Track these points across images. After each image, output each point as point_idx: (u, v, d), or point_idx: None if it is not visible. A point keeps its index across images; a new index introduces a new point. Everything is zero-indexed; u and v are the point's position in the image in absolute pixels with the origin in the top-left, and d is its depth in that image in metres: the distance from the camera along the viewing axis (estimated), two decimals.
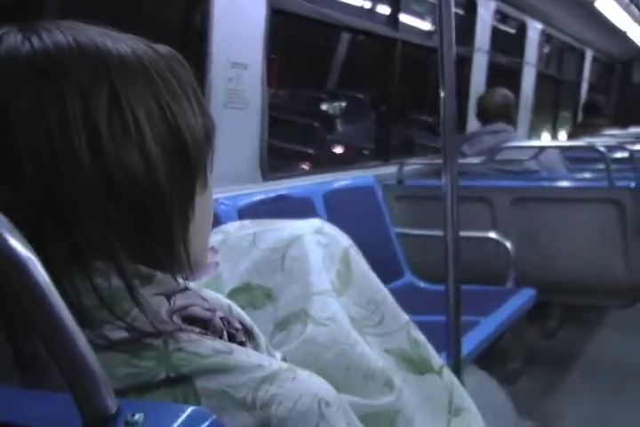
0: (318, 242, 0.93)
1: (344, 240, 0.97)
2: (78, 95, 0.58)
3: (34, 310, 0.45)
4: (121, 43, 0.63)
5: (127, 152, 0.59)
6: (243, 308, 0.88)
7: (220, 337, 0.65)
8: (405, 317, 0.96)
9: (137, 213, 0.60)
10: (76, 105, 0.58)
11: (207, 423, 0.50)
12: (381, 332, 0.93)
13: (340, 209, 2.75)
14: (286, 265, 0.91)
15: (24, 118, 0.58)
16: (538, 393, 3.07)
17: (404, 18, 4.06)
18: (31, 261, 0.45)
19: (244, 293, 0.91)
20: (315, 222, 0.97)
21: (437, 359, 0.96)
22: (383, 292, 0.95)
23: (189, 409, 0.51)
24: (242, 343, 0.68)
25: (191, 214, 0.64)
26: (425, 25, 4.85)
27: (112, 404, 0.48)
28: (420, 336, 0.96)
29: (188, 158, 0.63)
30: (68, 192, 0.57)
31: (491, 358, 2.78)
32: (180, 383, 0.56)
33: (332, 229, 0.97)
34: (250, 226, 0.97)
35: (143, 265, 0.62)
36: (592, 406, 2.90)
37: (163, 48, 0.67)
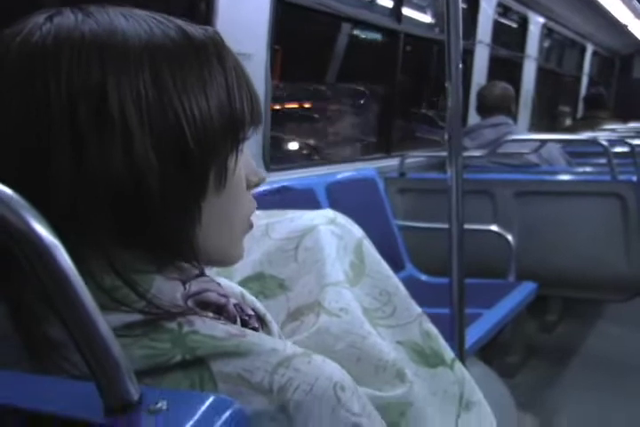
0: (332, 232, 0.92)
1: (357, 231, 0.96)
2: (66, 85, 0.56)
3: (58, 297, 0.45)
4: (134, 25, 0.60)
5: (111, 153, 0.57)
6: (254, 297, 0.88)
7: (234, 323, 0.65)
8: (418, 309, 0.95)
9: (127, 216, 0.58)
10: (62, 97, 0.56)
11: (230, 411, 0.50)
12: (393, 323, 0.92)
13: (342, 201, 2.75)
14: (300, 256, 0.91)
15: (10, 107, 0.57)
16: (537, 386, 3.08)
17: (406, 10, 4.04)
18: (56, 248, 0.44)
19: (255, 282, 0.90)
20: (328, 213, 0.97)
21: (449, 353, 0.95)
22: (396, 283, 0.94)
23: (212, 397, 0.50)
24: (254, 329, 0.69)
25: (197, 217, 0.62)
26: (425, 18, 4.83)
27: (135, 391, 0.48)
28: (432, 329, 0.95)
29: (189, 160, 0.60)
30: (51, 192, 0.57)
31: (491, 351, 2.79)
32: (196, 366, 0.56)
33: (344, 220, 0.96)
34: (261, 216, 0.96)
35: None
36: (591, 399, 2.91)
37: (197, 31, 0.63)
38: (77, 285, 0.45)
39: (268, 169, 2.61)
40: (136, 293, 0.58)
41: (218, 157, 0.62)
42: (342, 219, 0.96)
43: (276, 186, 2.42)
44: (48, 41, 0.58)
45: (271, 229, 0.94)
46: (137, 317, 0.58)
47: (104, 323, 0.46)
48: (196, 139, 0.60)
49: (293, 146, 4.04)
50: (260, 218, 0.96)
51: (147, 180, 0.58)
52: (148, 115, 0.58)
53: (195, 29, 0.64)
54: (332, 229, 0.93)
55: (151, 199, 0.58)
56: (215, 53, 0.63)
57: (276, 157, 2.73)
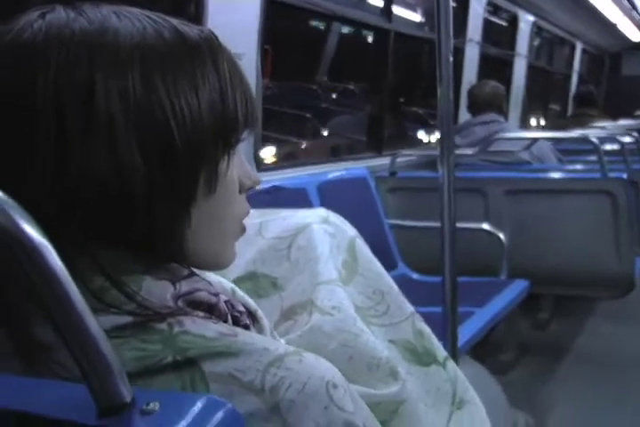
0: (325, 231, 0.92)
1: (350, 230, 0.96)
2: (53, 81, 0.56)
3: (48, 297, 0.45)
4: (126, 23, 0.60)
5: (95, 151, 0.56)
6: (248, 296, 0.87)
7: (225, 321, 0.64)
8: (410, 308, 0.95)
9: (113, 217, 0.58)
10: (48, 93, 0.56)
11: (223, 412, 0.50)
12: (386, 322, 0.92)
13: (333, 200, 2.75)
14: (293, 254, 0.91)
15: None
16: (530, 384, 3.08)
17: (396, 9, 4.04)
18: (45, 248, 0.44)
19: (248, 281, 0.90)
20: (320, 212, 0.97)
21: (442, 351, 0.95)
22: (389, 282, 0.94)
23: (205, 398, 0.50)
24: (246, 326, 0.68)
25: (186, 220, 0.61)
26: (415, 16, 4.84)
27: (127, 392, 0.48)
28: (425, 328, 0.95)
29: (177, 162, 0.59)
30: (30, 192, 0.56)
31: (483, 349, 2.79)
32: (188, 367, 0.56)
33: (337, 219, 0.96)
34: (255, 215, 0.96)
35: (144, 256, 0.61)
36: (584, 396, 2.92)
37: (193, 31, 0.63)
38: (68, 285, 0.45)
39: (259, 168, 2.61)
40: (125, 295, 0.58)
41: (208, 161, 0.61)
42: (335, 218, 0.96)
43: (267, 185, 2.41)
44: (38, 38, 0.58)
45: (264, 227, 0.94)
46: (127, 318, 0.57)
47: (95, 323, 0.46)
48: (184, 140, 0.59)
49: (283, 145, 4.03)
50: (253, 217, 0.96)
51: (131, 180, 0.57)
52: (134, 114, 0.57)
53: (190, 30, 0.63)
54: (324, 228, 0.93)
55: (137, 201, 0.58)
56: (209, 54, 0.62)
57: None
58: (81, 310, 0.45)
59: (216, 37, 0.65)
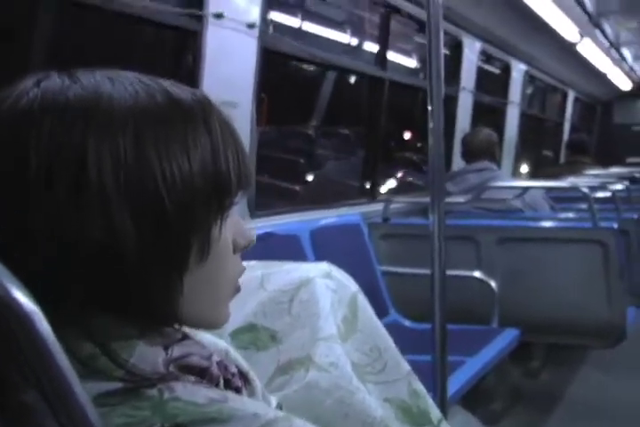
0: (327, 286, 0.92)
1: (352, 285, 0.96)
2: (46, 149, 0.57)
3: (37, 364, 0.45)
4: (119, 89, 0.60)
5: (87, 218, 0.56)
6: (245, 348, 0.87)
7: (217, 384, 0.64)
8: (407, 367, 0.94)
9: (105, 284, 0.58)
10: (41, 160, 0.56)
11: None
12: (382, 380, 0.91)
13: (326, 246, 2.76)
14: (294, 308, 0.90)
15: None
16: None
17: (391, 55, 4.11)
18: (36, 315, 0.45)
19: (247, 333, 0.90)
20: (323, 266, 0.96)
21: (436, 412, 0.94)
22: (387, 340, 0.94)
23: None
24: (238, 389, 0.68)
25: (178, 288, 0.60)
26: (411, 62, 4.92)
27: None
28: (421, 387, 0.94)
29: (168, 230, 0.59)
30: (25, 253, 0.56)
31: (474, 399, 2.77)
32: None
33: (340, 274, 0.96)
34: (257, 267, 0.96)
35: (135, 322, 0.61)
36: None
37: (185, 94, 0.63)
38: (56, 352, 0.45)
39: (253, 215, 2.62)
40: (114, 363, 0.58)
41: (200, 228, 0.61)
42: (338, 273, 0.96)
43: (260, 232, 2.42)
44: (34, 106, 0.58)
45: (266, 280, 0.94)
46: (116, 385, 0.57)
47: (82, 390, 0.46)
48: (176, 209, 0.59)
49: (276, 191, 4.05)
50: (255, 269, 0.96)
51: (124, 248, 0.57)
52: (125, 181, 0.57)
53: (182, 92, 0.63)
54: (327, 283, 0.92)
55: (129, 268, 0.58)
56: (201, 116, 0.62)
57: (259, 203, 2.73)
58: (68, 377, 0.45)
59: (208, 100, 0.65)
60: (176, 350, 0.62)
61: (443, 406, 1.71)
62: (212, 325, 0.68)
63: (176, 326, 0.64)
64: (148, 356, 0.60)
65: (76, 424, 0.46)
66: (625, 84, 8.95)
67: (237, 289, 0.68)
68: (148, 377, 0.58)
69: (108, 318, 0.60)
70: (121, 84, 0.61)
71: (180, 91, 0.63)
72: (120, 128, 0.58)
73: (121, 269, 0.58)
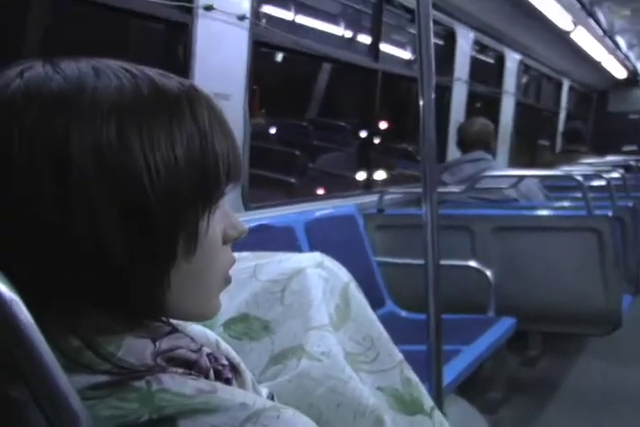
0: (319, 276, 0.92)
1: (344, 275, 0.96)
2: (28, 143, 0.56)
3: (18, 354, 0.45)
4: (104, 79, 0.59)
5: (70, 212, 0.55)
6: (239, 338, 0.88)
7: (207, 376, 0.64)
8: (400, 355, 0.95)
9: (91, 279, 0.57)
10: (24, 154, 0.55)
11: None
12: (375, 369, 0.92)
13: (321, 238, 2.76)
14: (287, 298, 0.91)
15: None
16: (520, 422, 3.07)
17: (384, 47, 4.11)
18: (15, 303, 0.45)
19: (240, 323, 0.90)
20: (316, 256, 0.97)
21: (428, 400, 0.95)
22: (379, 329, 0.94)
23: None
24: (228, 380, 0.68)
25: (166, 283, 0.59)
26: (405, 54, 4.91)
27: None
28: (413, 376, 0.94)
29: (153, 225, 0.58)
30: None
31: (471, 387, 2.78)
32: (165, 425, 0.55)
33: (332, 264, 0.96)
34: (250, 258, 0.96)
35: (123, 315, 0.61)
36: None
37: (172, 84, 0.61)
38: (37, 341, 0.45)
39: (247, 207, 2.62)
40: (100, 357, 0.57)
41: (186, 222, 0.60)
42: (330, 262, 0.96)
43: (254, 224, 2.42)
44: (17, 97, 0.58)
45: (259, 270, 0.94)
46: (103, 377, 0.57)
47: (65, 380, 0.46)
48: (161, 199, 0.58)
49: (272, 183, 4.05)
50: (248, 259, 0.96)
51: (108, 241, 0.56)
52: (109, 174, 0.56)
53: (168, 81, 0.62)
54: (319, 273, 0.93)
55: (114, 262, 0.57)
56: (188, 106, 0.61)
57: (253, 195, 2.73)
58: (51, 367, 0.45)
59: (196, 89, 0.63)
60: (164, 343, 0.62)
61: (438, 394, 1.72)
62: (201, 317, 0.67)
63: (164, 320, 0.64)
64: (135, 349, 0.59)
65: (64, 419, 0.46)
66: (620, 73, 8.93)
67: (228, 281, 0.67)
68: (135, 369, 0.58)
69: (96, 312, 0.60)
70: (105, 74, 0.60)
71: (166, 80, 0.62)
72: (103, 119, 0.57)
73: (106, 264, 0.57)
